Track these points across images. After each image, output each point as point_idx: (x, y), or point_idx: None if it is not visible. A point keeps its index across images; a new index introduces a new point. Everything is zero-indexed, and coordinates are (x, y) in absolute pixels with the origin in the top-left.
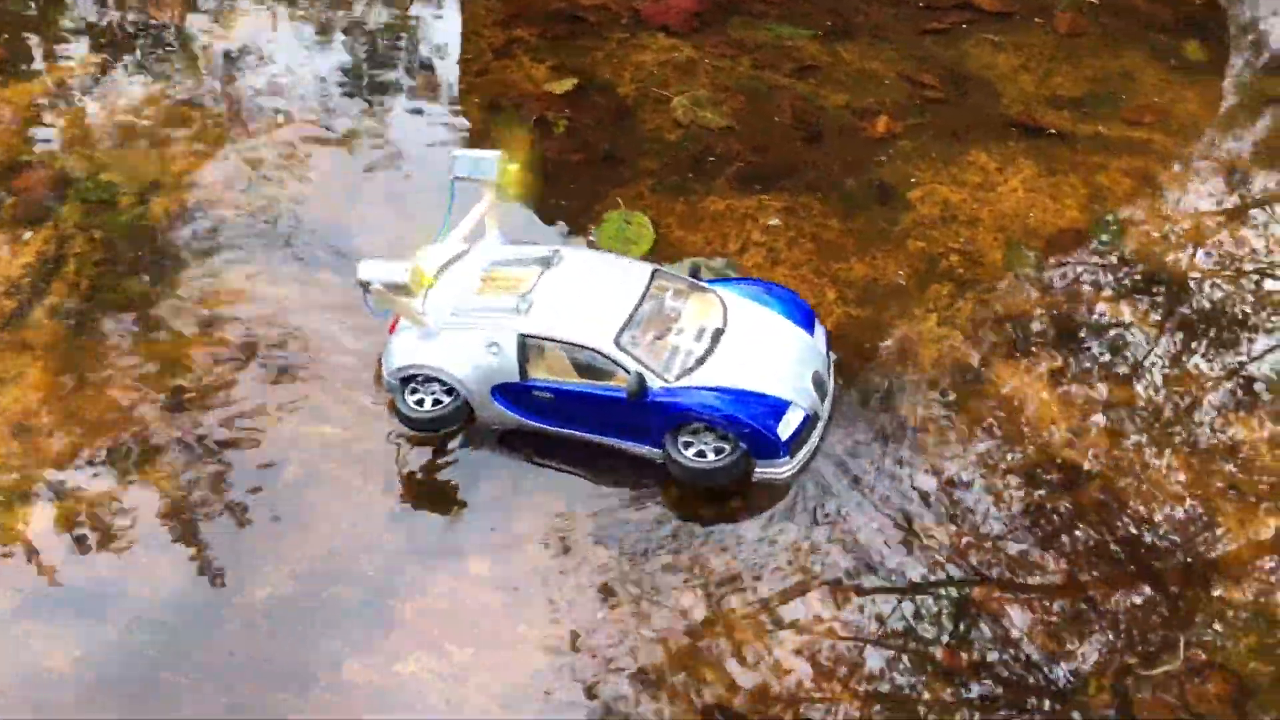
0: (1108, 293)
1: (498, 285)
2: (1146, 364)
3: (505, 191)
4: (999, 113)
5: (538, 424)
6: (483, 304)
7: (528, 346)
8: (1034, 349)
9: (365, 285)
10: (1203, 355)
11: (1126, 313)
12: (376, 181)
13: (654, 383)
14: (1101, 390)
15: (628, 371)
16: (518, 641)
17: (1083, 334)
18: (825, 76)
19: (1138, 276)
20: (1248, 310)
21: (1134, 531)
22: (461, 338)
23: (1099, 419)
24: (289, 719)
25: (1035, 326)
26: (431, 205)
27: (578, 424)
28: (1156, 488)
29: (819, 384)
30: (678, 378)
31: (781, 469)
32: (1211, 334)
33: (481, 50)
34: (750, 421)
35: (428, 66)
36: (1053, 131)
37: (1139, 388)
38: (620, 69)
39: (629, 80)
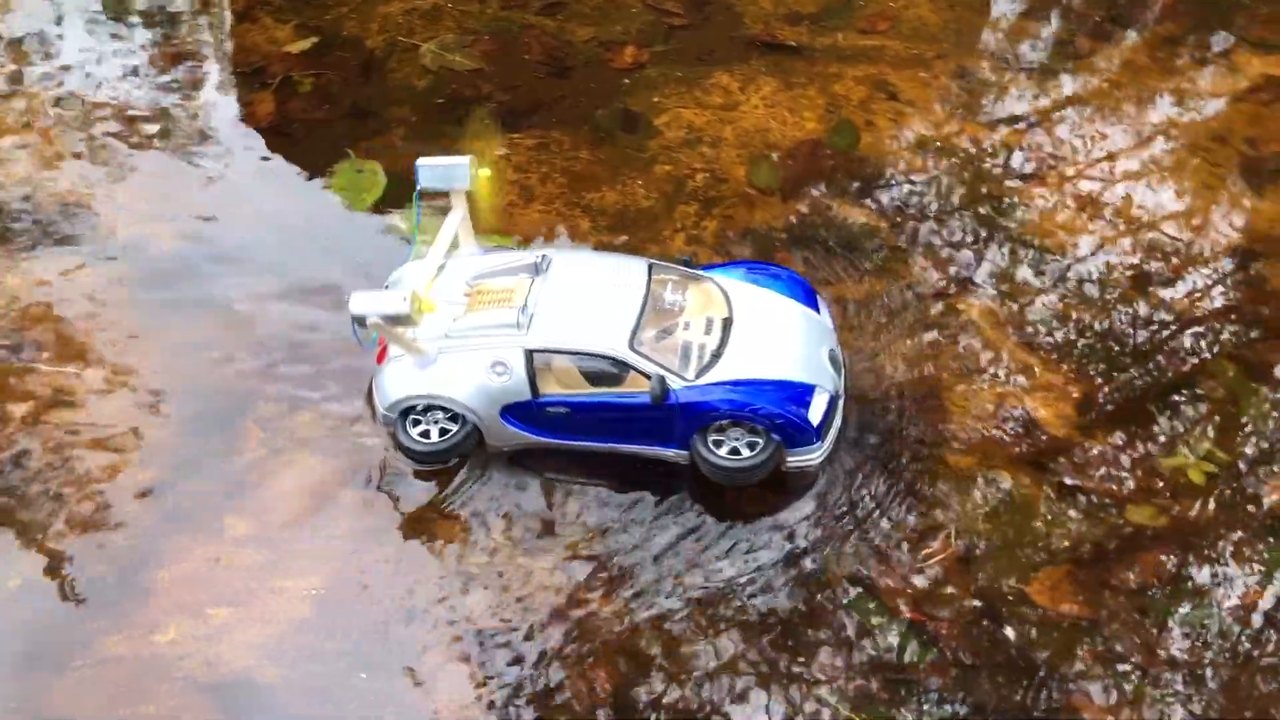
0: (843, 198)
1: (488, 299)
2: (878, 260)
3: (480, 199)
4: (741, 33)
5: (555, 440)
6: (478, 322)
7: (535, 361)
8: (776, 255)
9: (360, 320)
10: (929, 249)
11: (859, 215)
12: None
13: (675, 383)
14: (850, 285)
15: (646, 376)
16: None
17: (824, 236)
18: (572, 11)
19: (871, 179)
20: (965, 201)
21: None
22: (461, 360)
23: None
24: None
25: (781, 237)
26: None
27: (598, 435)
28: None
29: (835, 362)
30: (697, 375)
31: (814, 455)
32: (936, 228)
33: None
34: (782, 413)
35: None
36: (792, 45)
37: (873, 283)
38: (366, 22)
39: (376, 33)
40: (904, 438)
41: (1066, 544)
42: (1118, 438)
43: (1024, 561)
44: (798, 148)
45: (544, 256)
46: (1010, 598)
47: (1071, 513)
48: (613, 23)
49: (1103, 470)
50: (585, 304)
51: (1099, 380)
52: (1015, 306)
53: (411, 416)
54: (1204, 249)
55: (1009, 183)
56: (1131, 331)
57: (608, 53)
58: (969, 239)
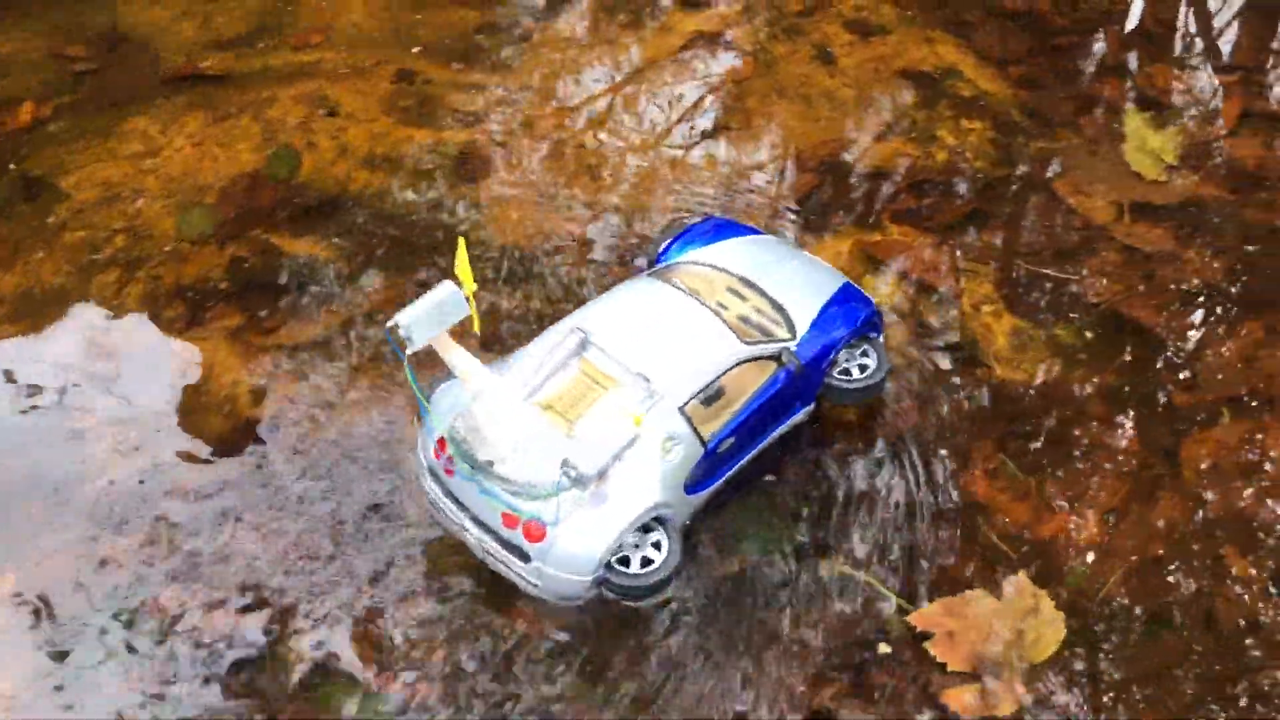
0: (288, 231)
1: (581, 401)
2: (331, 293)
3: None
4: (161, 70)
5: (722, 479)
6: (608, 420)
7: (690, 415)
8: (208, 314)
9: (581, 480)
10: (378, 273)
11: (307, 247)
12: None
13: (792, 346)
14: (287, 335)
15: (772, 358)
16: None
17: (270, 277)
18: None
19: (317, 205)
20: (423, 212)
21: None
22: (629, 467)
23: (284, 364)
24: None
25: (219, 287)
26: None
27: (752, 442)
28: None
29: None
30: (790, 331)
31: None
32: (392, 248)
33: None
34: (871, 310)
35: None
36: (218, 76)
37: (329, 320)
38: None
39: None
40: None
41: None
42: None
43: None
44: (233, 185)
45: (575, 331)
46: None
47: None
48: (8, 78)
49: None
50: (667, 341)
51: None
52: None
53: (618, 557)
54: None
55: (461, 185)
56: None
57: (2, 114)
58: (428, 251)
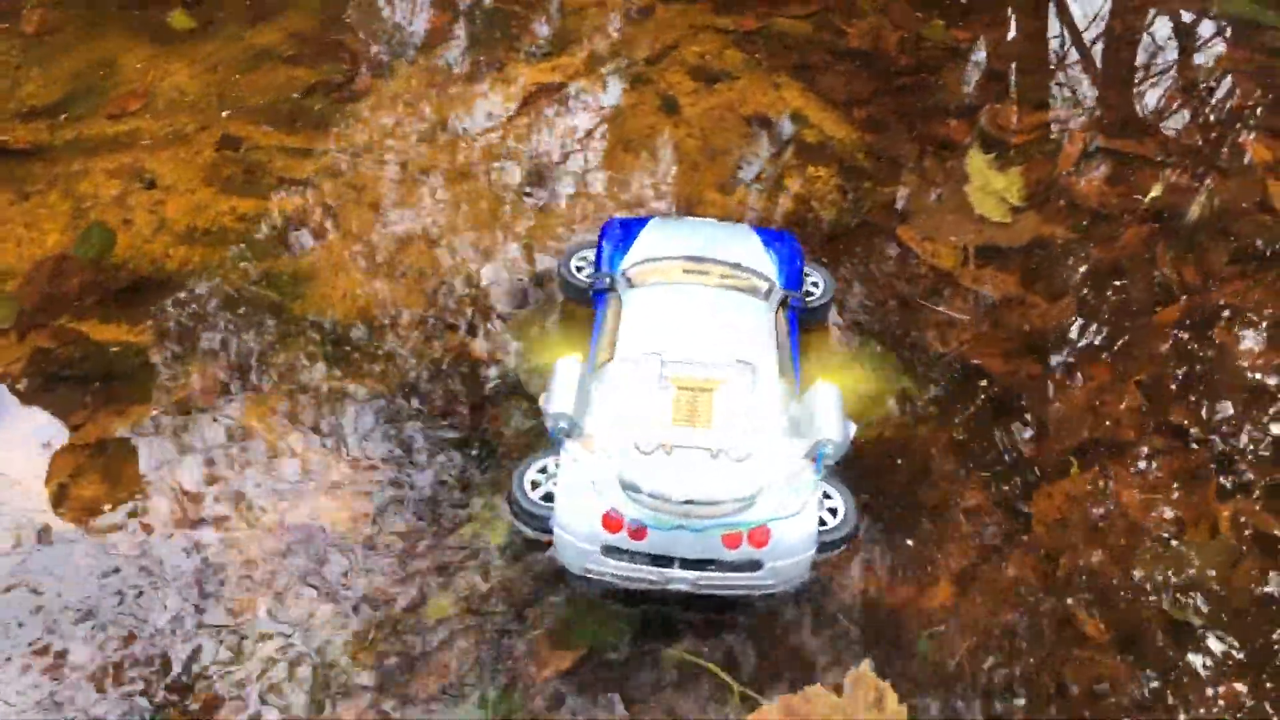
0: (96, 317)
1: (689, 416)
2: (144, 383)
3: None
4: None
5: None
6: (745, 422)
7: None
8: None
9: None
10: (202, 356)
11: (117, 334)
12: None
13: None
14: (96, 430)
15: (781, 304)
16: None
17: (73, 370)
18: None
19: (130, 287)
20: (242, 288)
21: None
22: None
23: (88, 465)
24: None
25: (20, 386)
26: None
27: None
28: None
29: None
30: (767, 279)
31: None
32: (209, 330)
33: None
34: (787, 233)
35: None
36: (24, 150)
37: (140, 412)
38: None
39: None
40: None
41: None
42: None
43: None
44: (37, 269)
45: (649, 355)
46: None
47: None
48: None
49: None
50: (728, 325)
51: (392, 491)
52: (306, 398)
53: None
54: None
55: (290, 255)
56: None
57: None
58: (246, 332)
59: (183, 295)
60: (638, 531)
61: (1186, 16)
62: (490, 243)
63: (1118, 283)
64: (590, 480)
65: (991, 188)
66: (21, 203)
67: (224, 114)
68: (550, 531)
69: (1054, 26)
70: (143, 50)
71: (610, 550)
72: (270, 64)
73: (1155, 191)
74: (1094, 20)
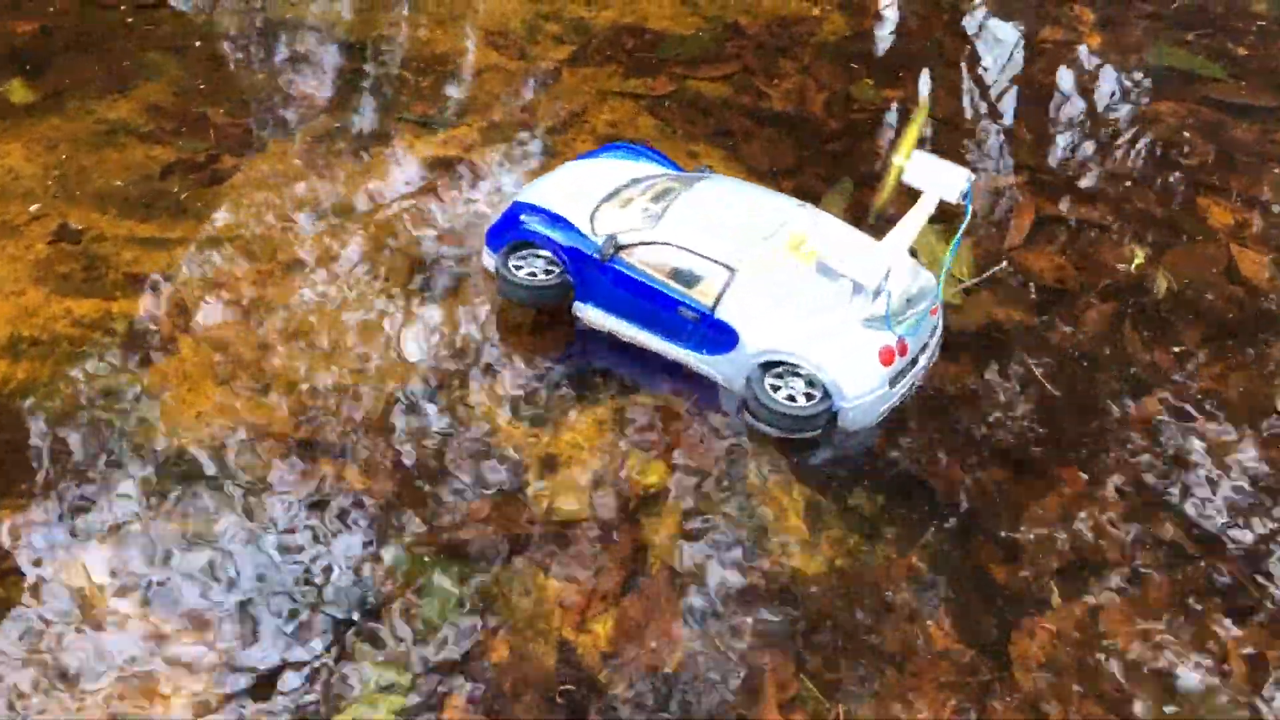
0: None
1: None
2: None
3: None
4: None
5: None
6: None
7: None
8: None
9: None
10: (16, 504)
11: None
12: None
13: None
14: None
15: None
16: None
17: None
18: None
19: None
20: (79, 408)
21: None
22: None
23: None
24: None
25: None
26: None
27: None
28: None
29: None
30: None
31: None
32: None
33: None
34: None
35: None
36: None
37: None
38: None
39: None
40: None
41: None
42: None
43: None
44: None
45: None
46: None
47: None
48: None
49: None
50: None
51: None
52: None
53: None
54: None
55: (134, 369)
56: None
57: None
58: (93, 464)
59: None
60: (903, 347)
61: (1119, 71)
62: (373, 346)
63: (1085, 370)
64: (861, 327)
65: (939, 263)
66: None
67: (58, 197)
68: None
69: (984, 81)
70: None
71: (894, 380)
72: (123, 141)
73: (1139, 259)
74: (1020, 73)
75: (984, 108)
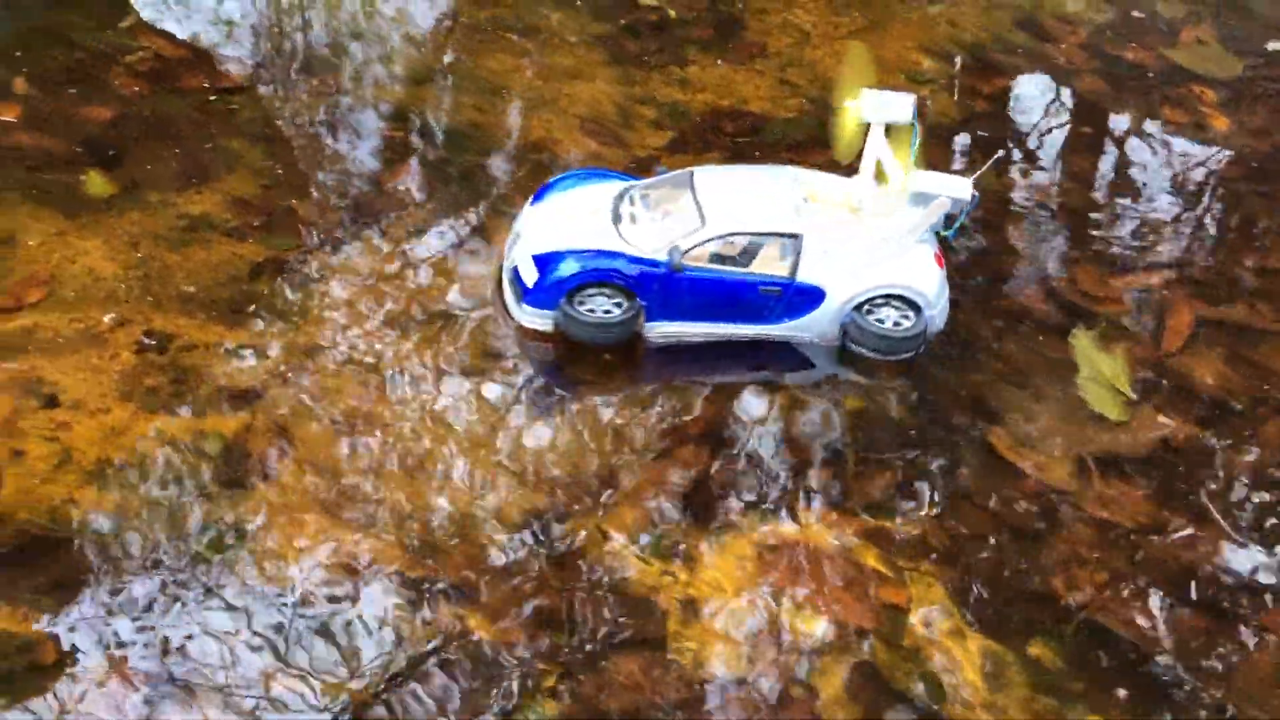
0: None
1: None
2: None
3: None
4: None
5: None
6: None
7: None
8: None
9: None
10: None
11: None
12: None
13: None
14: None
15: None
16: None
17: None
18: None
19: (22, 546)
20: (174, 545)
21: None
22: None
23: None
24: None
25: None
26: None
27: None
28: None
29: None
30: None
31: None
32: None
33: None
34: None
35: None
36: None
37: None
38: None
39: None
40: None
41: None
42: None
43: None
44: None
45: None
46: None
47: None
48: None
49: None
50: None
51: None
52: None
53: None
54: None
55: (230, 492)
56: None
57: None
58: (165, 603)
59: (87, 561)
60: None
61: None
62: (485, 470)
63: (1270, 498)
64: (915, 244)
65: (1103, 377)
66: None
67: (142, 299)
68: None
69: (1113, 163)
70: (49, 223)
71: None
72: (207, 237)
73: None
74: (1158, 156)
75: (1111, 193)
